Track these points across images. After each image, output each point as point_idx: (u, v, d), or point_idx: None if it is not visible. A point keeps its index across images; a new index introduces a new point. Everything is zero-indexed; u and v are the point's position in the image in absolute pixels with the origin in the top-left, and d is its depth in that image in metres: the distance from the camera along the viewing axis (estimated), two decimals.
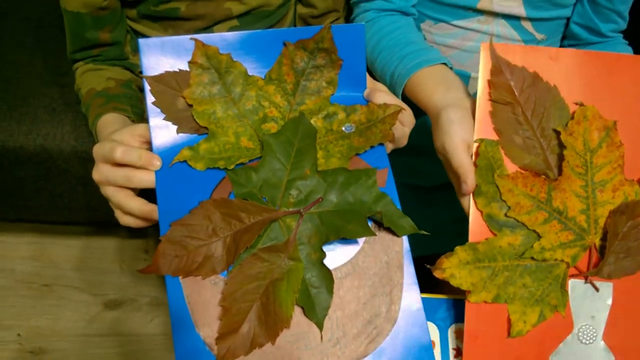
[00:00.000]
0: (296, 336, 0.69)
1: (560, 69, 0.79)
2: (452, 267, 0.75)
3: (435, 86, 0.88)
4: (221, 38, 0.78)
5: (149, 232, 2.00)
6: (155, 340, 1.88)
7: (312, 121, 0.79)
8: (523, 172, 0.77)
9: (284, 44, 0.80)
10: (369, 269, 0.73)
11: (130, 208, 0.77)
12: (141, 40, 0.77)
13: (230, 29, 1.13)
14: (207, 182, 0.75)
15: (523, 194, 0.76)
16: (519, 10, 1.05)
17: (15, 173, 1.66)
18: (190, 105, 0.77)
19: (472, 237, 0.77)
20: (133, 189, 0.78)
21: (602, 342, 0.77)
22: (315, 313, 0.70)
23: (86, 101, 1.02)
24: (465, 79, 1.10)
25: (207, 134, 0.78)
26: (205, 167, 0.75)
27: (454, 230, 0.84)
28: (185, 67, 0.78)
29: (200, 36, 0.78)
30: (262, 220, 0.72)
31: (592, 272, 0.77)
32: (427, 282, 0.77)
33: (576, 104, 0.78)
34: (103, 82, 1.04)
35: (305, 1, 1.16)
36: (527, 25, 1.08)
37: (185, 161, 0.75)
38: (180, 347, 0.68)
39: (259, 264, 0.70)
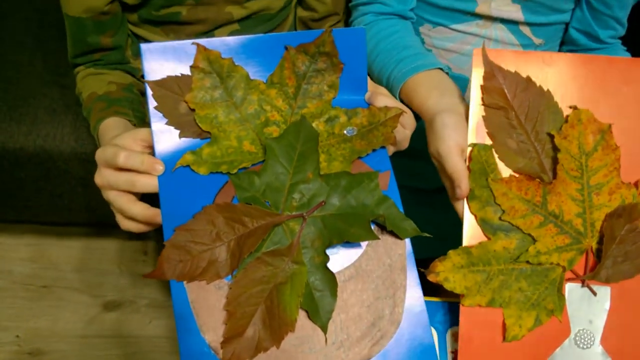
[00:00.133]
0: (300, 339, 0.69)
1: (554, 73, 0.79)
2: (446, 271, 0.75)
3: (429, 91, 0.88)
4: (223, 42, 0.79)
5: (149, 234, 2.00)
6: (154, 342, 1.88)
7: (313, 125, 0.80)
8: (517, 175, 0.77)
9: (286, 48, 0.80)
10: (372, 272, 0.73)
11: (133, 213, 0.77)
12: (143, 45, 0.77)
13: (231, 33, 1.13)
14: (210, 187, 0.75)
15: (517, 198, 0.76)
16: (517, 15, 1.06)
17: (15, 174, 1.66)
18: (193, 110, 0.78)
19: (466, 241, 0.77)
20: (135, 194, 0.78)
21: (600, 347, 0.76)
22: (319, 316, 0.70)
23: (87, 105, 1.02)
24: (465, 82, 1.10)
25: (209, 138, 0.78)
26: (208, 171, 0.75)
27: (455, 233, 0.84)
28: (187, 71, 0.78)
29: (202, 41, 0.78)
30: (265, 224, 0.72)
31: (589, 276, 0.76)
32: (427, 285, 0.77)
33: (570, 107, 0.78)
34: (104, 86, 1.04)
35: (306, 4, 1.16)
36: (526, 29, 1.08)
37: (188, 166, 0.76)
38: (186, 351, 0.68)
39: (263, 268, 0.70)
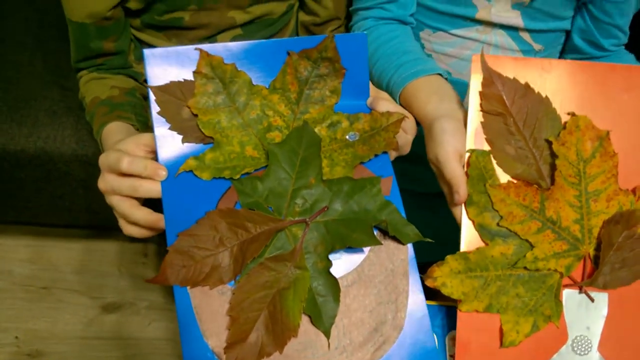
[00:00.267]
0: (303, 345, 0.70)
1: (552, 79, 0.79)
2: (444, 276, 0.75)
3: (429, 96, 0.88)
4: (225, 48, 0.79)
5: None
6: (153, 344, 1.88)
7: (316, 130, 0.80)
8: (515, 182, 0.77)
9: (288, 54, 0.80)
10: (375, 277, 0.73)
11: (136, 218, 0.77)
12: (146, 51, 0.77)
13: (234, 38, 1.14)
14: (213, 192, 0.75)
15: (515, 204, 0.77)
16: (517, 21, 1.06)
17: (16, 175, 1.66)
18: (195, 115, 0.78)
19: (464, 247, 0.77)
20: (138, 199, 0.78)
21: (597, 354, 0.76)
22: (322, 321, 0.70)
23: (90, 109, 1.03)
24: (464, 87, 1.10)
25: (212, 143, 0.78)
26: (211, 176, 0.76)
27: (455, 237, 0.84)
28: (190, 77, 0.78)
29: (205, 46, 0.78)
30: (268, 229, 0.72)
31: (586, 282, 0.77)
32: (427, 289, 0.77)
33: (569, 114, 0.78)
34: (107, 90, 1.05)
35: (308, 9, 1.17)
36: (525, 35, 1.08)
37: (190, 171, 0.76)
38: (189, 356, 0.68)
39: (266, 273, 0.70)
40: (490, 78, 0.78)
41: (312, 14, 1.16)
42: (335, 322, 0.71)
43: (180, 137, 0.78)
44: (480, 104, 0.78)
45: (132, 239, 1.95)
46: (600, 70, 0.80)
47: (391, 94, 0.95)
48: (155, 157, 0.77)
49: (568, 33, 1.12)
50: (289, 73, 0.81)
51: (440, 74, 0.94)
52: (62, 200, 1.75)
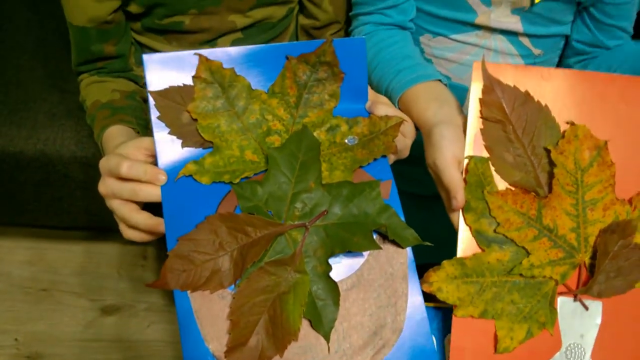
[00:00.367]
0: (304, 348, 0.70)
1: (552, 88, 0.79)
2: (440, 281, 0.75)
3: (428, 102, 0.88)
4: (224, 53, 0.79)
5: None
6: (152, 346, 1.88)
7: (315, 134, 0.80)
8: (513, 189, 0.77)
9: (287, 58, 0.80)
10: (374, 281, 0.74)
11: (136, 222, 0.77)
12: (145, 56, 0.77)
13: (234, 41, 1.14)
14: (212, 196, 0.76)
15: (513, 211, 0.76)
16: (517, 26, 1.06)
17: (15, 177, 1.66)
18: (195, 120, 0.78)
19: (460, 253, 0.77)
20: (138, 203, 0.78)
21: None
22: (322, 325, 0.71)
23: (91, 113, 1.03)
24: (464, 92, 1.10)
25: (211, 147, 0.78)
26: (210, 181, 0.76)
27: (453, 239, 0.84)
28: (189, 81, 0.79)
29: (204, 51, 0.78)
30: (268, 234, 0.73)
31: (581, 291, 0.77)
32: (426, 292, 0.77)
33: (567, 123, 0.78)
34: (108, 94, 1.05)
35: (308, 13, 1.17)
36: (525, 40, 1.08)
37: (190, 175, 0.76)
38: None
39: (266, 278, 0.71)
40: (491, 85, 0.78)
41: (312, 18, 1.17)
42: (335, 326, 0.71)
43: (180, 141, 0.78)
44: (480, 111, 0.78)
45: (132, 242, 1.96)
46: (599, 81, 0.80)
47: (390, 99, 0.95)
48: (155, 160, 0.78)
49: (567, 38, 1.12)
50: (287, 77, 0.81)
51: (439, 80, 0.94)
52: (62, 202, 1.75)
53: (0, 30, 1.73)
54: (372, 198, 0.76)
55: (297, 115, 0.81)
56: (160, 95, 0.78)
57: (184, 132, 0.78)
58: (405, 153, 0.86)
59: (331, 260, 0.73)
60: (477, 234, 0.77)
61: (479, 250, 0.77)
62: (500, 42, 1.09)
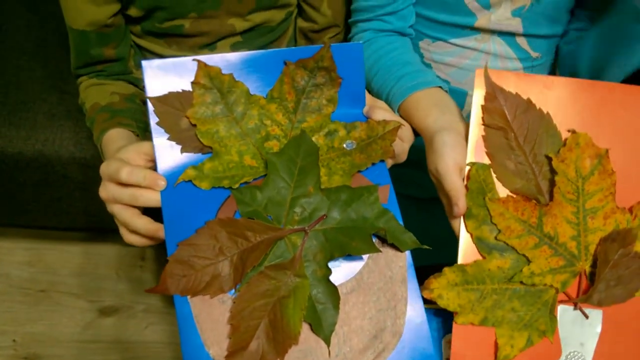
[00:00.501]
0: (304, 352, 0.70)
1: (554, 96, 0.80)
2: (440, 288, 0.75)
3: (429, 108, 0.89)
4: (223, 59, 0.80)
5: None
6: (150, 347, 1.89)
7: (313, 139, 0.80)
8: (514, 196, 0.78)
9: (285, 63, 0.81)
10: (374, 285, 0.74)
11: (136, 226, 0.78)
12: (144, 62, 0.78)
13: (234, 45, 1.14)
14: (212, 201, 0.76)
15: (514, 218, 0.77)
16: (517, 27, 1.06)
17: (14, 178, 1.66)
18: (194, 125, 0.79)
19: (461, 259, 0.77)
20: (139, 208, 0.79)
21: None
22: (322, 329, 0.71)
23: (91, 115, 1.03)
24: (463, 96, 1.11)
25: (211, 153, 0.79)
26: (210, 186, 0.76)
27: (452, 241, 0.85)
28: (188, 87, 0.79)
29: (203, 57, 0.79)
30: (268, 238, 0.73)
31: (581, 299, 0.77)
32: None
33: (569, 131, 0.79)
34: (107, 96, 1.05)
35: (306, 16, 1.17)
36: (524, 43, 1.09)
37: (190, 180, 0.77)
38: None
39: (266, 282, 0.71)
40: (493, 92, 0.78)
41: (311, 21, 1.17)
42: (335, 330, 0.71)
43: (179, 147, 0.78)
44: (482, 118, 0.78)
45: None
46: (600, 89, 0.80)
47: (391, 106, 0.96)
48: (155, 165, 0.78)
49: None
50: (286, 82, 0.81)
51: (440, 87, 0.94)
52: (60, 202, 1.76)
53: None
54: (371, 202, 0.77)
55: (296, 120, 0.82)
56: (160, 101, 0.78)
57: (183, 138, 0.79)
58: (403, 157, 0.86)
59: (331, 264, 0.74)
60: (478, 241, 0.77)
61: (480, 257, 0.77)
62: (499, 45, 1.09)
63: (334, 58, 0.81)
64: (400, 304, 0.74)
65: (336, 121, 0.83)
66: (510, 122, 0.78)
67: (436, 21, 1.09)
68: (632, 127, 0.80)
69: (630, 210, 0.79)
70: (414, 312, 0.74)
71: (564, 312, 0.78)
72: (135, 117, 1.02)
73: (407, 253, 0.76)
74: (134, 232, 0.79)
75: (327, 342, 0.71)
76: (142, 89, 1.08)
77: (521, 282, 0.76)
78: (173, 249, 0.72)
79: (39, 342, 1.87)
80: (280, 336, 0.69)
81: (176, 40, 1.11)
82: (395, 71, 0.99)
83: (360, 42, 1.06)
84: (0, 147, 1.60)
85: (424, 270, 0.77)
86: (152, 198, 0.76)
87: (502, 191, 0.78)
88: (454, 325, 0.76)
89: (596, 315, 0.78)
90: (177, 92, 0.79)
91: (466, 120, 0.81)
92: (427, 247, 0.76)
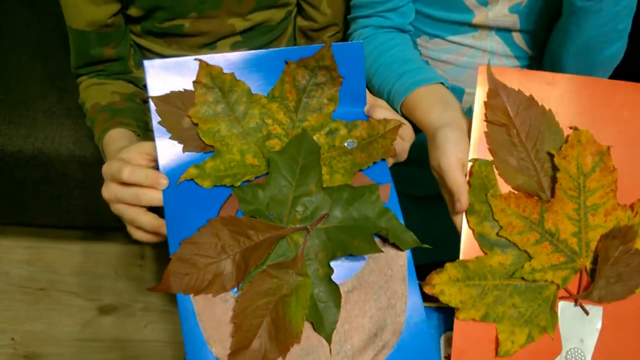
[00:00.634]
0: (306, 350, 0.71)
1: (556, 93, 0.80)
2: (442, 284, 0.76)
3: (432, 105, 0.89)
4: (224, 58, 0.80)
5: None
6: (149, 346, 1.88)
7: (314, 137, 0.81)
8: (516, 192, 0.78)
9: (286, 63, 0.81)
10: (375, 283, 0.74)
11: (142, 223, 0.78)
12: (146, 62, 0.78)
13: (234, 44, 1.14)
14: (214, 200, 0.76)
15: (515, 215, 0.77)
16: (514, 23, 1.06)
17: (14, 176, 1.66)
18: (196, 124, 0.79)
19: (463, 255, 0.78)
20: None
21: None
22: (324, 327, 0.71)
23: (91, 115, 1.04)
24: (460, 93, 1.11)
25: (212, 152, 0.79)
26: (212, 184, 0.77)
27: (451, 239, 0.85)
28: (189, 86, 0.79)
29: (204, 57, 0.79)
30: (270, 237, 0.73)
31: (582, 295, 0.77)
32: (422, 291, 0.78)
33: (571, 128, 0.79)
34: (108, 96, 1.05)
35: (306, 15, 1.17)
36: (519, 40, 1.09)
37: (192, 179, 0.77)
38: None
39: (268, 281, 0.71)
40: (496, 89, 0.79)
41: (310, 20, 1.17)
42: (336, 328, 0.71)
43: (181, 146, 0.79)
44: (485, 114, 0.79)
45: (131, 242, 1.95)
46: (602, 87, 0.81)
47: (393, 102, 0.96)
48: (156, 165, 0.78)
49: None
50: (287, 82, 0.82)
51: (442, 83, 0.95)
52: (60, 200, 1.75)
53: None
54: (372, 201, 0.77)
55: (297, 119, 0.82)
56: (162, 100, 0.78)
57: (185, 137, 0.79)
58: (403, 156, 0.87)
59: (332, 263, 0.74)
60: (480, 237, 0.78)
61: (482, 253, 0.78)
62: (496, 43, 1.09)
63: (335, 57, 0.81)
64: (400, 302, 0.74)
65: (337, 120, 0.83)
66: (513, 119, 0.78)
67: (434, 18, 1.09)
68: (633, 125, 0.81)
69: (631, 207, 0.79)
70: (414, 311, 0.74)
71: (565, 309, 0.78)
72: (135, 116, 1.02)
73: (408, 251, 0.77)
74: (139, 228, 0.79)
75: (329, 340, 0.71)
76: (142, 88, 1.09)
77: (522, 278, 0.77)
78: (175, 248, 0.72)
79: (38, 340, 1.87)
80: (283, 335, 0.69)
81: (176, 40, 1.11)
82: (397, 68, 1.00)
83: (361, 38, 1.07)
84: (0, 145, 1.60)
85: (424, 269, 0.77)
86: (155, 197, 0.76)
87: (504, 187, 0.79)
88: (455, 321, 0.76)
89: (596, 311, 0.78)
90: (179, 92, 0.79)
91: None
92: (427, 245, 0.76)
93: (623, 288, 0.78)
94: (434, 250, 0.78)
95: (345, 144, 0.82)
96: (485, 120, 0.79)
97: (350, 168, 0.80)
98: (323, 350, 0.71)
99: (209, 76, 0.79)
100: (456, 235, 0.80)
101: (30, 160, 1.63)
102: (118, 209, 0.79)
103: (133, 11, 1.04)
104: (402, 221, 0.77)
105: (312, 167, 0.78)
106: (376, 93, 1.02)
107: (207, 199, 0.76)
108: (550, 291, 0.77)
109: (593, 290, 0.77)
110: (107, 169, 0.78)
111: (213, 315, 0.70)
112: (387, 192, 0.79)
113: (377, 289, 0.74)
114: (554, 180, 0.78)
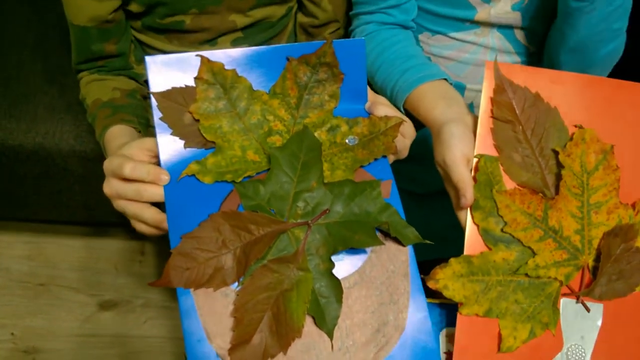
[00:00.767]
0: (307, 346, 0.71)
1: (562, 91, 0.80)
2: (446, 279, 0.76)
3: (436, 101, 0.89)
4: (226, 54, 0.80)
5: None
6: (149, 341, 1.88)
7: (316, 134, 0.81)
8: (521, 189, 0.78)
9: (288, 59, 0.81)
10: (376, 279, 0.74)
11: (145, 218, 0.78)
12: (148, 58, 0.78)
13: (235, 41, 1.15)
14: (215, 196, 0.76)
15: (520, 211, 0.77)
16: (516, 20, 1.07)
17: (14, 171, 1.66)
18: (197, 120, 0.79)
19: (467, 250, 0.78)
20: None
21: None
22: (326, 322, 0.71)
23: (92, 111, 1.04)
24: (461, 90, 1.11)
25: (214, 148, 0.79)
26: (213, 180, 0.77)
27: (451, 235, 0.85)
28: (191, 82, 0.79)
29: (206, 53, 0.79)
30: (271, 232, 0.73)
31: (584, 292, 0.77)
32: (426, 287, 0.78)
33: (575, 126, 0.79)
34: (109, 92, 1.05)
35: (306, 11, 1.18)
36: (521, 37, 1.09)
37: (193, 175, 0.77)
38: (193, 358, 0.69)
39: (269, 275, 0.71)
40: (502, 85, 0.79)
41: (311, 16, 1.17)
42: (338, 323, 0.71)
43: (183, 142, 0.79)
44: (491, 110, 0.79)
45: (132, 237, 1.96)
46: (608, 86, 0.81)
47: (396, 99, 0.96)
48: (158, 161, 0.79)
49: None
50: (288, 78, 0.82)
51: (445, 79, 0.95)
52: (60, 195, 1.75)
53: (1, 25, 1.73)
54: (373, 197, 0.77)
55: (298, 116, 0.82)
56: (163, 96, 0.78)
57: (187, 133, 0.79)
58: (404, 153, 0.87)
59: (334, 258, 0.74)
60: (485, 233, 0.78)
61: (486, 249, 0.78)
62: (497, 40, 1.09)
63: (336, 54, 0.81)
64: (402, 298, 0.74)
65: (338, 117, 0.83)
66: (519, 115, 0.79)
67: (436, 14, 1.09)
68: (637, 125, 0.81)
69: (633, 206, 0.79)
70: (416, 306, 0.74)
71: (567, 305, 0.78)
72: (136, 112, 1.03)
73: (410, 247, 0.77)
74: (142, 222, 0.80)
75: (330, 335, 0.71)
76: (143, 84, 1.09)
77: (526, 275, 0.77)
78: (176, 243, 0.72)
79: (38, 335, 1.87)
80: (284, 329, 0.70)
81: (177, 36, 1.11)
82: (400, 64, 1.00)
83: (363, 35, 1.07)
84: (0, 139, 1.60)
85: (424, 265, 0.77)
86: (156, 193, 0.77)
87: (509, 184, 0.79)
88: (458, 316, 0.76)
89: (597, 309, 0.78)
90: (181, 88, 0.79)
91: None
92: (429, 242, 0.76)
93: (624, 286, 0.78)
94: (434, 247, 0.78)
95: (347, 141, 0.82)
96: (491, 116, 0.79)
97: (351, 165, 0.80)
98: (324, 345, 0.71)
99: (210, 72, 0.79)
100: (456, 233, 0.80)
101: (31, 155, 1.63)
102: (120, 204, 0.79)
103: (134, 7, 1.04)
104: (403, 217, 0.77)
105: (314, 164, 0.78)
106: (379, 89, 1.02)
107: (208, 195, 0.76)
108: (553, 288, 0.77)
109: (595, 287, 0.77)
110: (108, 165, 0.79)
111: (213, 310, 0.70)
112: (388, 189, 0.79)
113: (379, 285, 0.74)
114: (558, 177, 0.78)
